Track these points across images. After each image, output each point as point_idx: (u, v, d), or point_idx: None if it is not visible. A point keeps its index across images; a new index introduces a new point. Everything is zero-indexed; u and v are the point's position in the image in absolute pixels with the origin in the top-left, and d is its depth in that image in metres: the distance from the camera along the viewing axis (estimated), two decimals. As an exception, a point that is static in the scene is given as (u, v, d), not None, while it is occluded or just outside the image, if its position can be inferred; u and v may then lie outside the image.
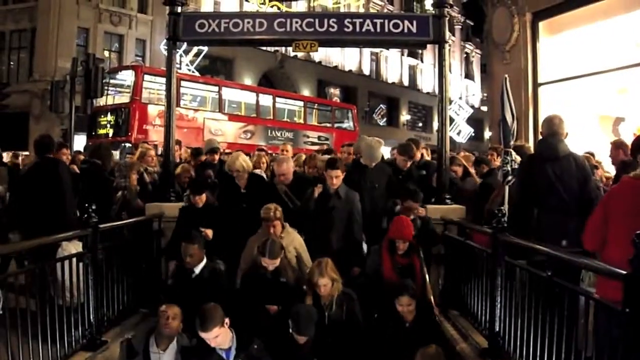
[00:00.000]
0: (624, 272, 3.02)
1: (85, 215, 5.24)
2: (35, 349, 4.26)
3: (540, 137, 6.16)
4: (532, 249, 4.55)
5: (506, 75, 6.96)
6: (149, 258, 6.96)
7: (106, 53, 29.21)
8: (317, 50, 7.73)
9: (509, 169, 6.52)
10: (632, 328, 2.99)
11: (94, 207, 5.28)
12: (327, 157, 8.05)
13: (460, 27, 56.35)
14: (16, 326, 4.10)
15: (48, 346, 4.44)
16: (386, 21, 7.37)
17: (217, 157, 9.40)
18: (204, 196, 6.84)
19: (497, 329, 4.97)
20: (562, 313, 3.86)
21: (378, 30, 7.35)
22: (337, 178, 6.56)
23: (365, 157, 7.40)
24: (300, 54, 38.45)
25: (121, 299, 6.03)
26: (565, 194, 5.42)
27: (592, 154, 6.27)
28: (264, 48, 34.18)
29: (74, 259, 5.01)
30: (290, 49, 7.45)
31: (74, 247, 5.49)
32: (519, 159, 6.82)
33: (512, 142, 6.71)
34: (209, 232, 6.50)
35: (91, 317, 5.16)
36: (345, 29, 7.36)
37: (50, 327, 4.50)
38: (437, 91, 7.51)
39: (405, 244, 5.99)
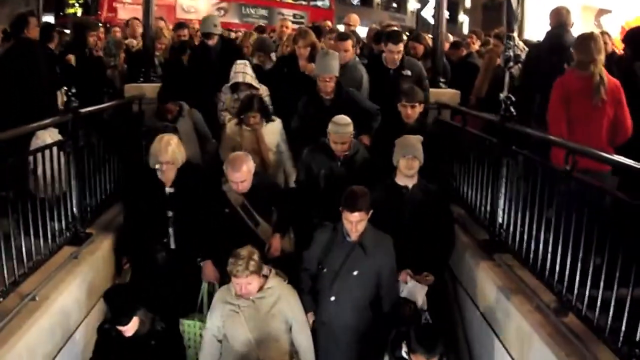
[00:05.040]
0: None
1: (65, 100, 4.80)
2: (19, 247, 3.96)
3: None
4: (548, 140, 4.34)
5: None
6: (129, 142, 6.30)
7: None
8: None
9: (512, 54, 6.19)
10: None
11: (73, 90, 4.83)
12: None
13: None
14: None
15: (31, 243, 4.15)
16: None
17: (213, 42, 6.89)
18: (135, 321, 4.09)
19: (500, 221, 4.79)
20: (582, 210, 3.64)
21: None
22: (360, 224, 4.34)
23: (317, 67, 5.87)
24: None
25: (104, 187, 5.60)
26: None
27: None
28: None
29: (54, 148, 4.57)
30: None
31: (49, 135, 5.04)
32: (521, 44, 6.51)
33: (515, 26, 6.34)
34: None
35: (74, 210, 4.84)
36: None
37: (33, 223, 4.17)
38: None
39: None
